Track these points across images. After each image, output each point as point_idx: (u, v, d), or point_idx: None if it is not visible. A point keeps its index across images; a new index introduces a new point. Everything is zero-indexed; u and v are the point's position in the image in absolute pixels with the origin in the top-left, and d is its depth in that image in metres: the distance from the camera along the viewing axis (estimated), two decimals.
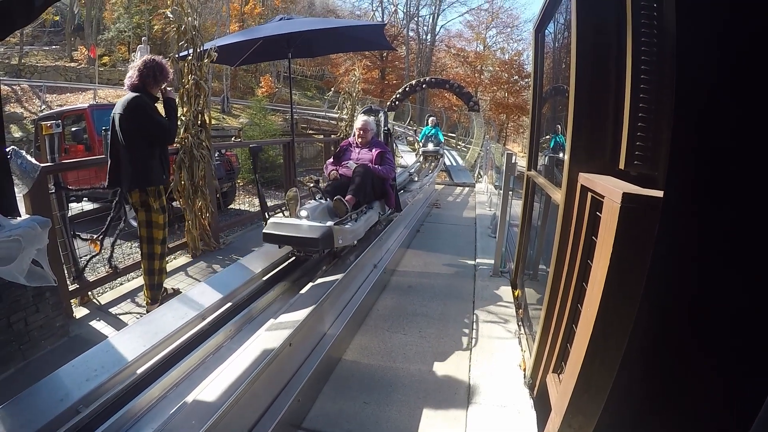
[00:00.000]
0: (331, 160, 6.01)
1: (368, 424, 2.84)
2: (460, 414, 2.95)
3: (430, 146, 17.01)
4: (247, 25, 33.72)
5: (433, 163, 16.48)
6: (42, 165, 4.03)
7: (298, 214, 4.52)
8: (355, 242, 4.91)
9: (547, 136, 4.30)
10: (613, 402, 1.88)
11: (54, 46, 31.43)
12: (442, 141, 18.68)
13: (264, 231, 4.34)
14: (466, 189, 13.88)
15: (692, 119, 1.37)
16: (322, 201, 4.84)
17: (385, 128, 6.77)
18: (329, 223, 4.31)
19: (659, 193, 1.64)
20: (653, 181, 2.00)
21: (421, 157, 17.31)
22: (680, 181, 1.42)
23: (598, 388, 2.04)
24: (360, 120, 6.02)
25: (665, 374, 1.68)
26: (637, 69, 2.14)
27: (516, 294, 4.81)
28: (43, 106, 21.18)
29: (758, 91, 1.33)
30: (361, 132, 5.92)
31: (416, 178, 12.72)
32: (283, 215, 4.74)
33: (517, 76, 40.42)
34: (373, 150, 5.80)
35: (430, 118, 18.01)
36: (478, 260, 6.20)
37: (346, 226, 4.53)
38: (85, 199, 7.83)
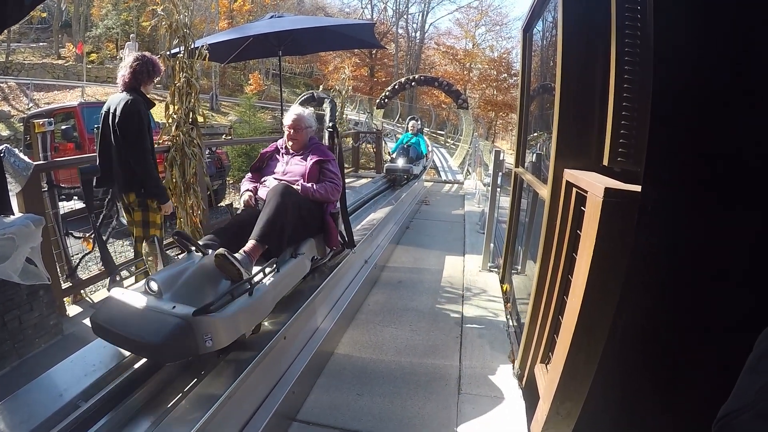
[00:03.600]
0: (250, 175, 4.17)
1: (361, 415, 2.91)
2: (452, 404, 3.03)
3: (401, 162, 11.76)
4: (236, 23, 33.58)
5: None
6: (35, 163, 4.04)
7: (148, 287, 2.64)
8: (257, 327, 3.03)
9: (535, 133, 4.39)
10: (598, 388, 1.96)
11: (41, 43, 31.14)
12: (426, 153, 13.16)
13: (92, 317, 2.58)
14: (455, 186, 13.94)
15: (666, 117, 1.45)
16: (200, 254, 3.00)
17: (330, 124, 4.54)
18: (184, 312, 2.41)
19: (638, 188, 1.72)
20: (636, 177, 2.08)
21: (382, 179, 12.11)
22: (656, 176, 1.50)
23: (583, 375, 2.12)
24: (290, 114, 4.07)
25: (646, 361, 1.75)
26: (621, 69, 2.21)
27: (504, 288, 4.90)
28: (31, 104, 21.01)
29: (726, 91, 1.41)
30: (291, 132, 3.99)
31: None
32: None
33: (505, 74, 40.49)
34: (309, 159, 3.93)
35: (411, 122, 13.33)
36: (466, 256, 6.28)
37: (230, 310, 2.51)
38: (75, 197, 7.83)
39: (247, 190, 3.93)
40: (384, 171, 12.27)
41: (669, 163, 1.48)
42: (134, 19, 32.21)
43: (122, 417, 2.16)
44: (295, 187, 3.67)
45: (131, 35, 25.80)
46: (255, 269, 2.90)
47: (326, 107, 4.69)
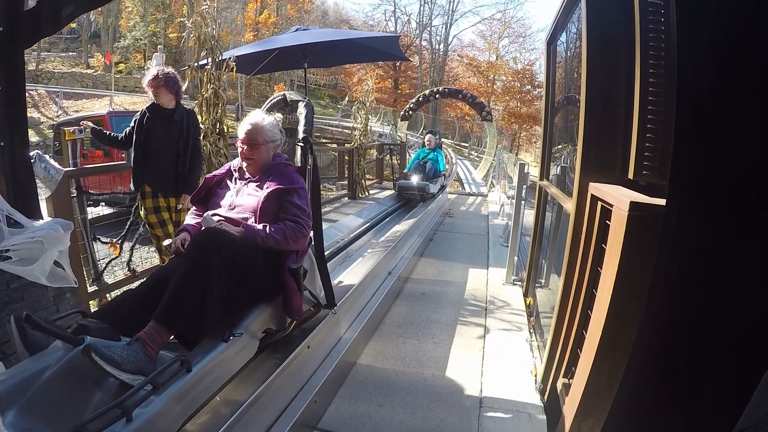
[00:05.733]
0: (194, 208, 3.14)
1: (382, 426, 2.91)
2: (473, 417, 3.02)
3: (415, 179, 10.63)
4: (261, 35, 34.11)
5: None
6: (65, 169, 4.16)
7: None
8: None
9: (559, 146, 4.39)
10: (621, 404, 1.95)
11: (71, 53, 31.96)
12: (443, 171, 11.79)
13: None
14: (479, 198, 13.92)
15: (690, 130, 1.45)
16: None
17: (301, 138, 3.48)
18: None
19: (663, 202, 1.72)
20: (661, 191, 2.08)
21: (392, 197, 11.46)
22: (680, 190, 1.50)
23: (606, 390, 2.11)
24: (244, 124, 3.01)
25: (669, 377, 1.74)
26: (645, 81, 2.22)
27: (528, 302, 4.87)
28: (60, 112, 21.54)
29: (752, 103, 1.41)
30: (245, 148, 2.96)
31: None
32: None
33: (529, 86, 40.53)
34: (267, 186, 2.88)
35: (428, 136, 12.07)
36: (490, 269, 6.24)
37: None
38: (102, 203, 7.98)
39: (184, 229, 2.88)
40: (396, 188, 11.26)
41: (693, 177, 1.48)
42: (161, 31, 32.94)
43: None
44: (234, 231, 2.64)
45: (159, 46, 26.39)
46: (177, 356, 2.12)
47: (301, 111, 3.53)
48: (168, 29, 32.89)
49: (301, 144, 3.43)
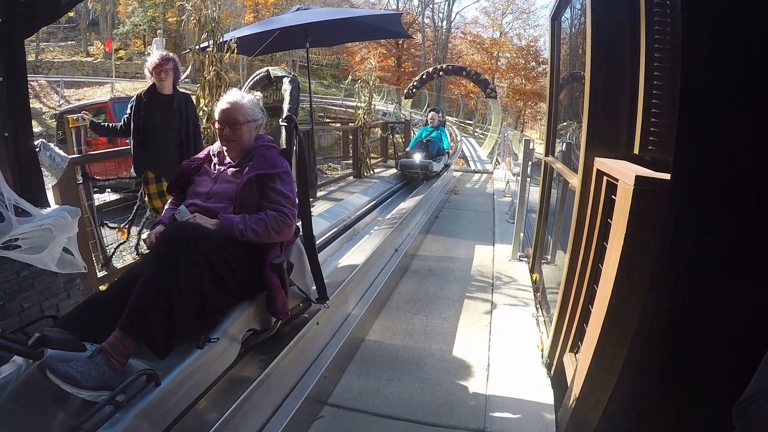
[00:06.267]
0: (171, 198, 2.93)
1: (392, 401, 2.96)
2: (481, 391, 3.07)
3: (417, 157, 10.39)
4: (261, 16, 33.85)
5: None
6: (70, 156, 4.19)
7: None
8: None
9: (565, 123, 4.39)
10: (626, 377, 1.99)
11: (70, 42, 31.84)
12: (447, 149, 11.56)
13: None
14: (484, 176, 13.93)
15: (696, 107, 1.47)
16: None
17: (285, 117, 3.30)
18: None
19: (668, 176, 1.74)
20: (666, 166, 2.10)
21: (397, 175, 11.14)
22: (685, 165, 1.52)
23: (612, 364, 2.14)
24: (222, 102, 2.73)
25: (674, 350, 1.77)
26: (651, 56, 2.23)
27: (534, 278, 4.91)
28: (62, 101, 21.53)
29: (758, 81, 1.42)
30: (226, 129, 2.65)
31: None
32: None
33: (533, 63, 40.18)
34: (246, 171, 2.61)
35: (431, 114, 11.81)
36: (496, 245, 6.28)
37: None
38: (108, 190, 8.02)
39: (160, 221, 2.69)
40: (398, 167, 11.00)
41: (698, 153, 1.50)
42: (160, 16, 32.75)
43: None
44: (209, 224, 2.40)
45: (158, 31, 26.30)
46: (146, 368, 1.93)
47: (285, 88, 3.40)
48: (167, 14, 32.68)
49: (285, 123, 3.15)
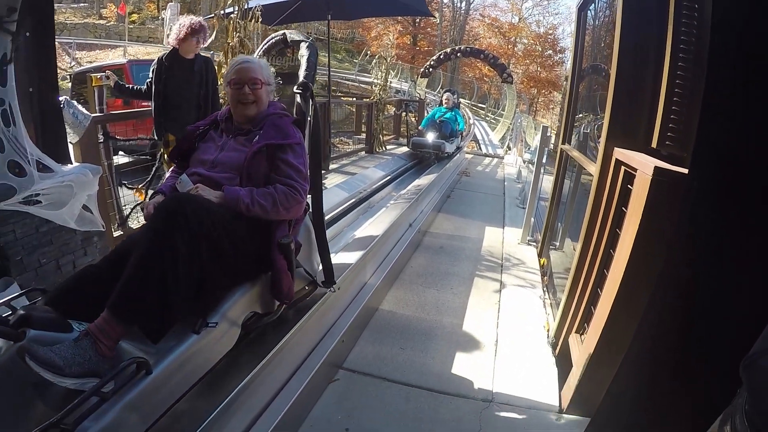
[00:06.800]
0: (173, 167, 2.74)
1: (404, 367, 3.10)
2: (488, 364, 3.22)
3: (430, 137, 10.15)
4: None
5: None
6: (93, 115, 4.28)
7: None
8: None
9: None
10: (632, 358, 2.10)
11: (82, 4, 31.46)
12: (462, 131, 11.51)
13: None
14: (495, 160, 14.01)
15: (719, 106, 1.58)
16: None
17: (300, 83, 2.90)
18: None
19: (685, 171, 1.86)
20: (681, 161, 2.22)
21: (408, 153, 10.95)
22: (703, 162, 1.62)
23: (618, 345, 2.25)
24: (236, 62, 2.57)
25: (683, 337, 1.87)
26: (675, 54, 2.34)
27: (542, 262, 5.04)
28: (73, 63, 21.43)
29: None
30: (245, 89, 2.45)
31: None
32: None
33: (550, 51, 39.88)
34: (256, 140, 2.42)
35: (446, 95, 11.50)
36: (506, 228, 6.40)
37: None
38: (120, 152, 8.13)
39: (159, 191, 2.49)
40: (410, 145, 10.73)
41: (716, 150, 1.59)
42: None
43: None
44: (212, 196, 2.21)
45: None
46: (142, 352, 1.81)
47: (303, 54, 3.16)
48: None
49: (300, 91, 2.81)
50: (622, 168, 2.62)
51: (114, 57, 21.91)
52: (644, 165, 2.21)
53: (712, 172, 1.60)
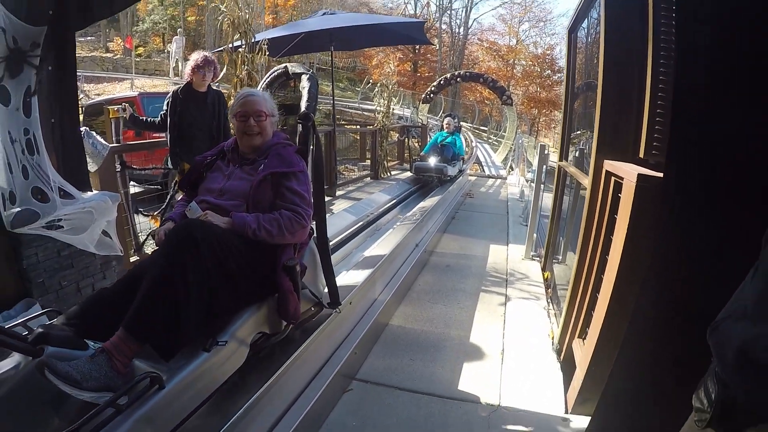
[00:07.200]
0: (182, 195, 3.05)
1: (415, 377, 3.23)
2: (495, 371, 3.35)
3: (432, 161, 10.57)
4: (280, 17, 34.28)
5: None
6: (111, 145, 4.50)
7: None
8: None
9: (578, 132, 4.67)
10: (625, 355, 2.22)
11: (89, 37, 32.08)
12: (463, 155, 11.85)
13: None
14: (498, 180, 14.16)
15: (685, 112, 1.74)
16: None
17: (301, 114, 3.17)
18: None
19: (661, 174, 2.03)
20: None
21: (412, 178, 11.19)
22: (675, 165, 1.78)
23: (614, 343, 2.38)
24: (241, 96, 2.73)
25: (668, 326, 2.01)
26: (656, 68, 2.51)
27: (546, 276, 5.17)
28: (81, 95, 21.74)
29: (738, 90, 1.68)
30: (249, 122, 2.61)
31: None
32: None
33: (549, 71, 40.28)
34: (261, 168, 2.57)
35: (446, 119, 11.81)
36: (510, 245, 6.55)
37: None
38: (132, 182, 8.34)
39: (169, 218, 2.62)
40: (413, 170, 10.98)
41: (685, 154, 1.75)
42: (180, 14, 33.12)
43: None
44: (220, 222, 2.34)
45: (178, 30, 26.56)
46: (154, 367, 1.91)
47: (304, 86, 3.23)
48: (186, 12, 33.15)
49: (301, 121, 2.98)
50: (612, 179, 2.78)
51: (121, 89, 22.13)
52: (629, 173, 2.38)
53: (683, 174, 1.76)
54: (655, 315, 2.03)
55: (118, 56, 28.84)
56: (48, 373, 1.61)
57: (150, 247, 5.30)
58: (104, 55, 29.26)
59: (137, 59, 27.89)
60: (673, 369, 1.94)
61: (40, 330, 1.80)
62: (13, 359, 1.83)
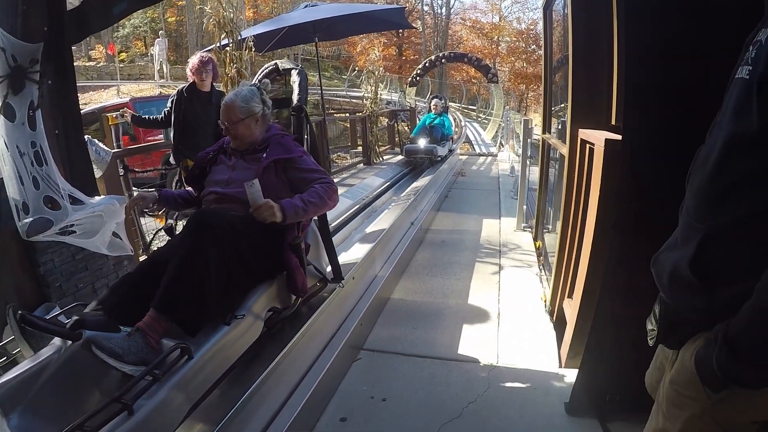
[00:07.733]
0: (189, 189, 3.14)
1: (417, 344, 3.47)
2: (493, 333, 3.59)
3: (422, 143, 10.81)
4: (260, 11, 34.17)
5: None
6: (113, 151, 4.68)
7: None
8: None
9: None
10: (602, 304, 2.43)
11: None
12: (452, 135, 12.03)
13: None
14: (489, 158, 14.40)
15: (634, 79, 1.96)
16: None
17: (294, 107, 3.34)
18: None
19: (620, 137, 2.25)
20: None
21: (404, 161, 11.40)
22: (631, 129, 2.00)
23: (595, 295, 2.55)
24: (222, 104, 2.86)
25: (635, 277, 2.19)
26: (622, 39, 2.70)
27: (537, 245, 5.39)
28: None
29: (681, 64, 1.90)
30: (227, 125, 2.81)
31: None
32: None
33: (534, 46, 40.20)
34: (264, 157, 2.77)
35: (434, 101, 11.96)
36: (502, 218, 6.79)
37: None
38: (134, 187, 8.50)
39: (163, 191, 2.92)
40: (403, 153, 11.32)
41: (635, 118, 1.96)
42: (160, 16, 32.89)
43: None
44: (277, 211, 2.46)
45: (160, 32, 26.35)
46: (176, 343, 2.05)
47: (294, 80, 3.36)
48: (166, 14, 32.97)
49: (294, 113, 3.26)
50: (587, 146, 2.99)
51: (108, 97, 21.67)
52: (599, 139, 2.58)
53: (638, 135, 1.98)
54: (623, 268, 2.25)
55: (102, 64, 28.40)
56: (95, 349, 1.83)
57: (157, 247, 5.49)
58: (87, 64, 28.77)
59: (121, 65, 27.58)
60: (644, 314, 2.16)
61: (77, 317, 2.02)
62: (53, 346, 2.05)
